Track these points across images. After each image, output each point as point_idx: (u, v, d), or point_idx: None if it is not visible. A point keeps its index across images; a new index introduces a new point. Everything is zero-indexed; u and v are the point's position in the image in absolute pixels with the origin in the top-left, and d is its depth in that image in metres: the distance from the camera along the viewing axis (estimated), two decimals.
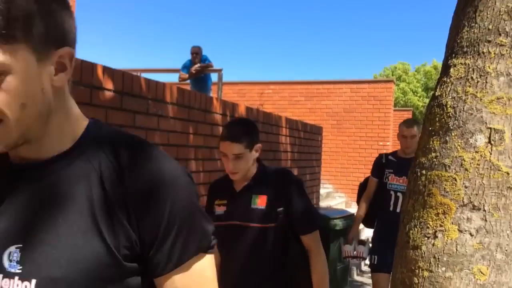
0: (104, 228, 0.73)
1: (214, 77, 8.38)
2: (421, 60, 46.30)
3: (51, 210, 0.74)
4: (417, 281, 1.38)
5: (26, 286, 0.70)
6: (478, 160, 1.33)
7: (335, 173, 10.03)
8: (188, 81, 7.92)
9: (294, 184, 2.03)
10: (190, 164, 3.37)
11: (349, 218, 4.94)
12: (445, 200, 1.36)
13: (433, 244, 1.36)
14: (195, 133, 3.43)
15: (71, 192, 0.75)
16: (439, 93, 1.44)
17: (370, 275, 3.94)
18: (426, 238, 1.38)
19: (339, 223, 4.74)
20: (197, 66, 7.59)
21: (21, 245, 0.72)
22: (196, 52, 7.64)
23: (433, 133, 1.43)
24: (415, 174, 1.46)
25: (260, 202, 1.98)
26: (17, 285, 0.71)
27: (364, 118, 10.19)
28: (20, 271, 0.71)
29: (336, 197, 9.57)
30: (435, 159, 1.40)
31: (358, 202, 4.02)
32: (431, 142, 1.43)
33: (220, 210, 2.03)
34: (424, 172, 1.42)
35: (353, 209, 9.43)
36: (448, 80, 1.43)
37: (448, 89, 1.41)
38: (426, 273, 1.36)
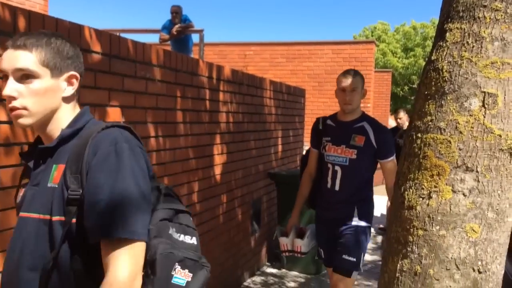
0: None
1: (195, 37, 8.25)
2: (401, 20, 46.09)
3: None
4: (411, 239, 1.44)
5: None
6: (472, 123, 1.37)
7: None
8: (168, 42, 7.78)
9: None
10: (179, 127, 3.36)
11: None
12: (440, 162, 1.41)
13: (428, 204, 1.42)
14: (183, 96, 3.41)
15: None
16: (435, 57, 1.47)
17: None
18: (421, 199, 1.43)
19: None
20: (177, 26, 7.45)
21: None
22: (176, 12, 7.47)
23: (428, 97, 1.46)
24: (411, 137, 1.50)
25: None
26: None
27: None
28: None
29: None
30: (430, 123, 1.44)
31: (300, 179, 3.41)
32: (426, 106, 1.46)
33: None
34: (419, 135, 1.47)
35: None
36: (444, 44, 1.45)
37: (444, 53, 1.44)
38: (420, 232, 1.42)
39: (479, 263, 1.37)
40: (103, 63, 2.56)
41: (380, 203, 10.02)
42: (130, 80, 2.79)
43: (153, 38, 5.60)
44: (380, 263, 5.78)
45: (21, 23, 2.06)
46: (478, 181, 1.37)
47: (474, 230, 1.38)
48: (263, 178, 5.23)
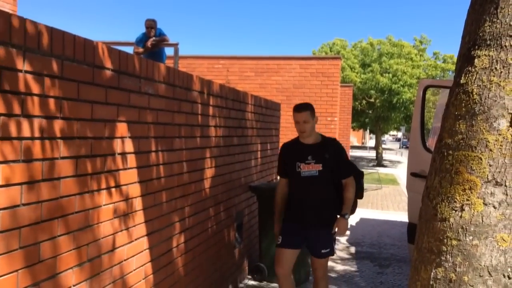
0: None
1: (168, 51, 8.26)
2: (356, 37, 47.39)
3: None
4: (445, 249, 1.55)
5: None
6: (501, 142, 1.51)
7: None
8: (142, 56, 7.75)
9: None
10: (175, 142, 3.39)
11: None
12: (472, 177, 1.53)
13: (461, 216, 1.54)
14: (179, 111, 3.44)
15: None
16: (464, 81, 1.60)
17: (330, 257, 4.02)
18: (454, 211, 1.55)
19: None
20: (152, 40, 7.45)
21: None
22: (151, 26, 7.48)
23: (459, 117, 1.59)
24: (442, 154, 1.62)
25: None
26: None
27: (313, 94, 10.46)
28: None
29: None
30: (461, 141, 1.56)
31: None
32: (457, 125, 1.59)
33: None
34: (450, 152, 1.59)
35: None
36: (473, 69, 1.59)
37: (474, 77, 1.57)
38: (454, 242, 1.54)
39: (509, 269, 1.50)
40: (113, 79, 2.57)
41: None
42: (135, 95, 2.81)
43: (127, 51, 5.55)
44: (352, 272, 5.91)
45: (45, 40, 2.06)
46: (507, 194, 1.50)
47: (504, 240, 1.50)
48: (245, 191, 5.29)
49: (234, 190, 4.89)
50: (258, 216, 5.46)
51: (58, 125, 2.15)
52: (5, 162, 1.85)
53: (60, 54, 2.16)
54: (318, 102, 10.43)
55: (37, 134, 2.02)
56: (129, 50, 7.64)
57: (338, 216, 3.90)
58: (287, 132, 10.32)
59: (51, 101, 2.11)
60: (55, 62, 2.13)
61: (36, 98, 2.01)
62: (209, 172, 4.09)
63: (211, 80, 4.15)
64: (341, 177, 3.92)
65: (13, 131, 1.89)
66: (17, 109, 1.91)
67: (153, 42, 7.44)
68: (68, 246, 2.25)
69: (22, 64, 1.93)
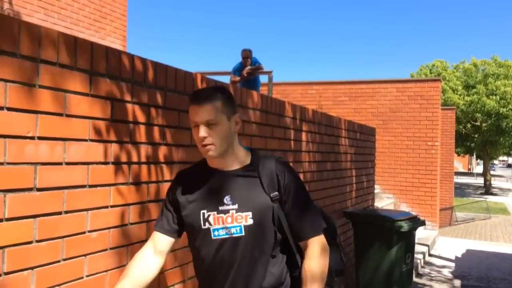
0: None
1: (263, 78, 8.52)
2: (457, 58, 45.13)
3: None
4: None
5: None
6: None
7: (382, 174, 9.99)
8: (238, 84, 8.07)
9: None
10: None
11: (414, 220, 4.97)
12: None
13: None
14: (272, 136, 3.54)
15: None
16: None
17: (429, 277, 3.78)
18: None
19: (404, 225, 4.76)
20: (248, 68, 7.73)
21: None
22: (247, 56, 7.78)
23: None
24: None
25: None
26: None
27: (411, 118, 10.10)
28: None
29: (384, 198, 9.55)
30: None
31: None
32: None
33: None
34: None
35: (402, 210, 9.37)
36: None
37: None
38: None
39: None
40: None
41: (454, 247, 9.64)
42: None
43: (223, 80, 5.80)
44: None
45: (150, 74, 2.27)
46: None
47: None
48: (339, 217, 5.23)
49: None
50: (353, 243, 5.36)
51: (161, 151, 2.34)
52: (116, 184, 2.05)
53: (163, 86, 2.36)
54: (417, 126, 10.06)
55: (143, 159, 2.21)
56: (225, 79, 8.00)
57: None
58: (384, 157, 10.06)
59: (156, 129, 2.30)
60: (159, 93, 2.33)
61: (142, 127, 2.21)
62: None
63: (304, 106, 4.22)
64: (298, 236, 1.83)
65: (123, 157, 2.09)
66: (126, 137, 2.11)
67: (248, 71, 7.72)
68: (171, 263, 2.40)
69: (130, 96, 2.14)
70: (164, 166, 2.36)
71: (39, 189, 1.68)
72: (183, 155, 2.50)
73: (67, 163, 1.80)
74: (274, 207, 1.75)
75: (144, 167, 2.23)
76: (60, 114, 1.77)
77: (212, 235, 1.74)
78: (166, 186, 2.35)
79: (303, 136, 4.16)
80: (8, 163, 1.57)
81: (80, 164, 1.86)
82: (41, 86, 1.68)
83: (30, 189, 1.65)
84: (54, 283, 1.75)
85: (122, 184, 2.09)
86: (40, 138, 1.68)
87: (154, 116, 2.29)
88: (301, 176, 4.10)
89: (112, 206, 2.02)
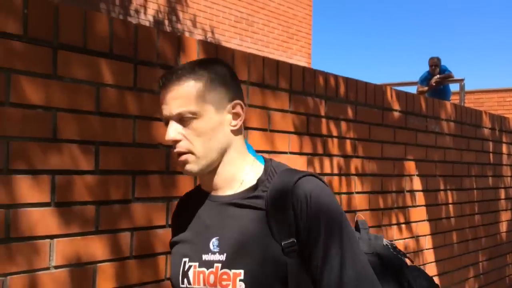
0: None
1: (453, 87, 8.00)
2: None
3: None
4: None
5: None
6: None
7: None
8: (426, 94, 7.71)
9: None
10: (464, 181, 3.28)
11: None
12: None
13: None
14: (467, 149, 3.33)
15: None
16: None
17: None
18: None
19: None
20: (436, 77, 7.35)
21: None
22: (435, 64, 7.40)
23: None
24: None
25: None
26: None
27: None
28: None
29: None
30: None
31: None
32: None
33: None
34: None
35: None
36: None
37: None
38: None
39: None
40: (400, 120, 2.72)
41: None
42: (422, 134, 2.88)
43: (409, 90, 5.55)
44: None
45: (341, 89, 2.37)
46: None
47: None
48: None
49: None
50: None
51: (353, 163, 2.41)
52: None
53: (354, 100, 2.44)
54: None
55: (336, 171, 2.31)
56: (412, 89, 7.73)
57: None
58: None
59: (347, 142, 2.39)
60: (350, 107, 2.41)
61: (335, 140, 2.32)
62: (504, 215, 3.76)
63: (503, 116, 3.86)
64: None
65: (317, 168, 2.22)
66: (320, 149, 2.24)
67: (437, 80, 7.33)
68: None
69: (323, 111, 2.27)
70: (355, 178, 2.43)
71: None
72: (374, 167, 2.53)
73: None
74: (290, 265, 0.94)
75: (336, 178, 2.32)
76: (265, 130, 1.98)
77: None
78: (357, 198, 2.42)
79: (504, 148, 3.80)
80: None
81: None
82: (250, 105, 1.91)
83: None
84: None
85: None
86: None
87: (345, 129, 2.38)
88: (503, 192, 3.75)
89: None
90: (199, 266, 1.01)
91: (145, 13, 6.17)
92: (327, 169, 2.27)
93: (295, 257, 0.94)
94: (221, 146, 1.02)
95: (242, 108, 1.03)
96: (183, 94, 0.99)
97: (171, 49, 1.66)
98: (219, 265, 0.98)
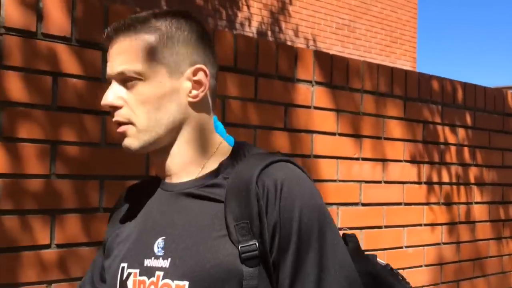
0: None
1: None
2: None
3: None
4: None
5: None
6: None
7: None
8: None
9: None
10: None
11: None
12: None
13: None
14: None
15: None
16: None
17: None
18: None
19: None
20: None
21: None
22: None
23: None
24: None
25: None
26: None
27: None
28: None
29: None
30: None
31: None
32: None
33: None
34: None
35: None
36: None
37: None
38: None
39: None
40: None
41: None
42: None
43: None
44: None
45: (459, 95, 2.28)
46: None
47: None
48: None
49: None
50: None
51: (472, 172, 2.31)
52: (428, 204, 2.13)
53: (472, 106, 2.33)
54: None
55: (453, 180, 2.23)
56: None
57: None
58: None
59: (466, 150, 2.29)
60: (468, 114, 2.31)
61: (452, 148, 2.24)
62: None
63: None
64: None
65: (434, 177, 2.16)
66: (436, 158, 2.17)
67: None
68: None
69: (440, 118, 2.20)
70: (474, 187, 2.32)
71: (363, 204, 1.90)
72: (494, 176, 2.40)
73: (385, 182, 1.98)
74: (247, 275, 0.73)
75: (454, 188, 2.24)
76: (379, 138, 1.97)
77: None
78: (476, 208, 2.31)
79: None
80: (340, 180, 1.84)
81: (396, 183, 2.01)
82: (364, 113, 1.91)
83: (356, 204, 1.88)
84: None
85: (434, 203, 2.15)
86: (363, 159, 1.91)
87: (463, 136, 2.29)
88: None
89: (425, 225, 2.10)
90: (140, 274, 0.78)
91: (249, 25, 6.39)
92: (445, 178, 2.20)
93: (256, 265, 0.72)
94: (173, 120, 0.79)
95: (206, 75, 0.81)
96: (128, 49, 0.78)
97: (287, 61, 1.73)
98: (161, 273, 0.76)
